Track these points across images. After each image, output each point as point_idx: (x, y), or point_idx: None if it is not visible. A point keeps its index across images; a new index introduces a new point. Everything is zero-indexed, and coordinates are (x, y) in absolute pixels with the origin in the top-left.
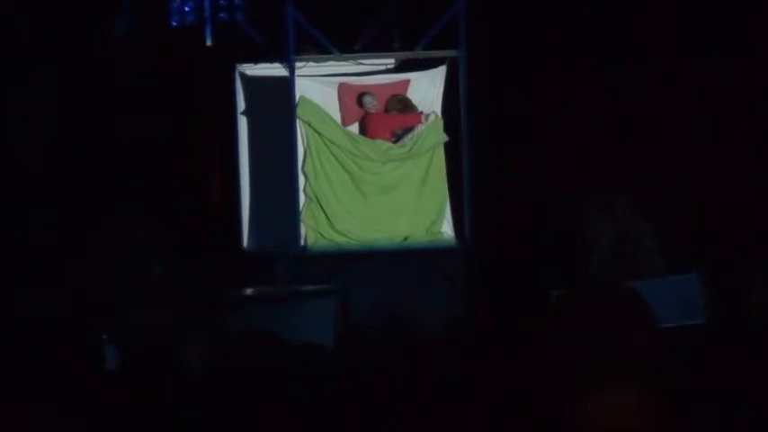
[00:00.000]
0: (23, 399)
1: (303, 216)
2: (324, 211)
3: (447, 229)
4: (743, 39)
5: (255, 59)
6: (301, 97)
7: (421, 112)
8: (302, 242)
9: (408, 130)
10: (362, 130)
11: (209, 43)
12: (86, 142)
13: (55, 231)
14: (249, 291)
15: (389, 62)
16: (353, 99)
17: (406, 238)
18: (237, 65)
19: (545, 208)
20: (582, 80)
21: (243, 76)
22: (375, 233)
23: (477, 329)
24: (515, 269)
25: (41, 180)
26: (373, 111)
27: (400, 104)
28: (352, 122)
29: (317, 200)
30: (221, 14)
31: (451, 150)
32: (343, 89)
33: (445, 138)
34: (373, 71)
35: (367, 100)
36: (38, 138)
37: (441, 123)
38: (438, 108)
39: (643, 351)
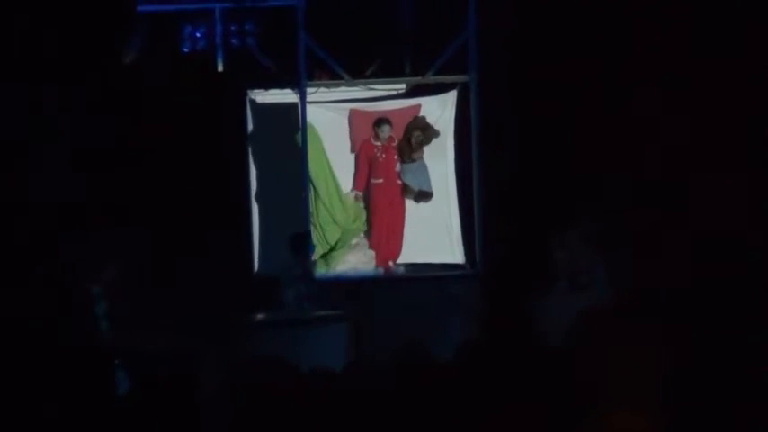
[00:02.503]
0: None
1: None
2: (327, 240)
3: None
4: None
5: (266, 85)
6: (308, 125)
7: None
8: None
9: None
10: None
11: (220, 69)
12: (98, 166)
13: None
14: (260, 316)
15: (400, 87)
16: (365, 125)
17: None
18: (248, 91)
19: (555, 231)
20: (592, 104)
21: (253, 102)
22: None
23: (489, 353)
24: (526, 292)
25: (52, 205)
26: (381, 143)
27: (421, 125)
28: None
29: (322, 228)
30: (233, 40)
31: (462, 173)
32: (354, 115)
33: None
34: (384, 96)
35: (385, 129)
36: (51, 160)
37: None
38: (450, 132)
39: (657, 375)
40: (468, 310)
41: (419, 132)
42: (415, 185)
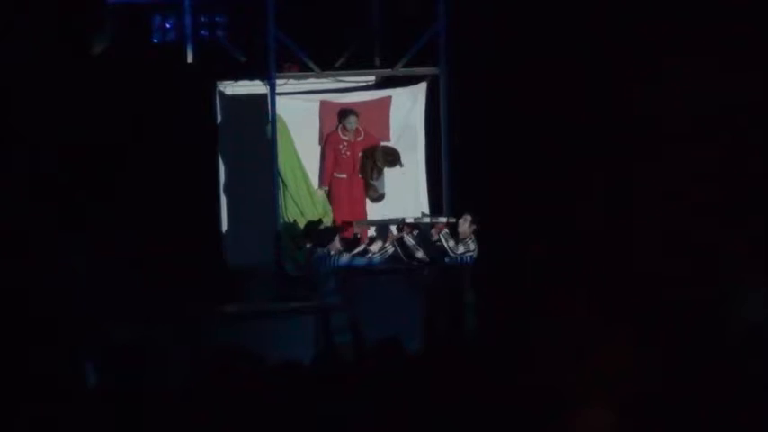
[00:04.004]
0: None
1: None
2: (297, 231)
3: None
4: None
5: (236, 76)
6: (278, 117)
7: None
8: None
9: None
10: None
11: (189, 60)
12: (66, 156)
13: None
14: (230, 307)
15: (370, 79)
16: (335, 117)
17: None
18: (218, 82)
19: (525, 222)
20: (563, 97)
21: (222, 94)
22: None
23: (463, 345)
24: (502, 284)
25: (25, 200)
26: (348, 140)
27: (388, 158)
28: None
29: (291, 219)
30: (202, 32)
31: (431, 165)
32: (324, 107)
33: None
34: (354, 88)
35: (351, 120)
36: (15, 155)
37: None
38: (421, 124)
39: (620, 372)
40: (438, 301)
41: (383, 162)
42: (379, 187)
